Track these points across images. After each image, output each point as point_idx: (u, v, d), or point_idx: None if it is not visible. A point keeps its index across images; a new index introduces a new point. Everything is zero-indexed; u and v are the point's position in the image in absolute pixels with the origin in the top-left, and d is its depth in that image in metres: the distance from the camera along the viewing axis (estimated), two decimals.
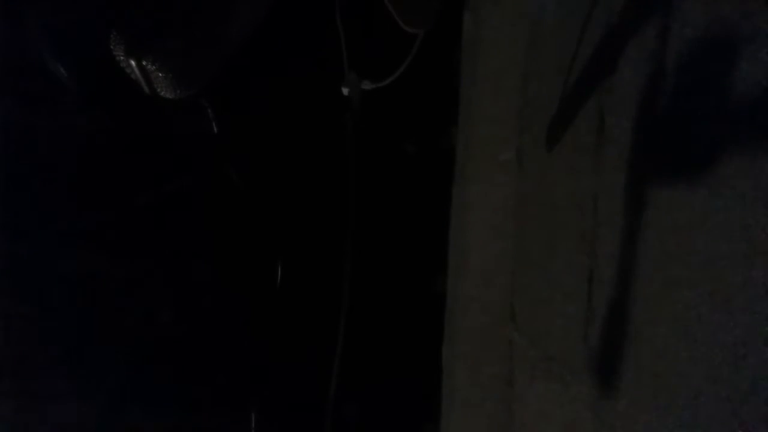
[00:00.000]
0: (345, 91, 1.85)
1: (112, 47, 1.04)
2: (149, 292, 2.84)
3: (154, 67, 1.05)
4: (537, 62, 2.05)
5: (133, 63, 1.04)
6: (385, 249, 2.76)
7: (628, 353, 1.37)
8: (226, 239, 2.80)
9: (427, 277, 2.85)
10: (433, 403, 2.79)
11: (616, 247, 1.45)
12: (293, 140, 2.80)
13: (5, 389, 2.84)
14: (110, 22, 1.04)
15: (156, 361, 2.81)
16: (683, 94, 1.25)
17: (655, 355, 1.28)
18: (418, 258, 2.86)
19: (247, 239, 2.79)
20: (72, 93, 2.60)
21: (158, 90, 1.09)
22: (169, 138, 2.77)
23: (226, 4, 1.15)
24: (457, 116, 2.80)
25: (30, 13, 2.55)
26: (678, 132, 1.26)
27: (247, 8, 1.19)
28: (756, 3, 1.05)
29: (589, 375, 1.54)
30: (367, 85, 1.88)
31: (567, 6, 1.84)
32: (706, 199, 1.14)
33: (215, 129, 2.47)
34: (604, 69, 1.55)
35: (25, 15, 2.57)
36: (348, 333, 1.84)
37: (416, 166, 2.88)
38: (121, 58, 1.05)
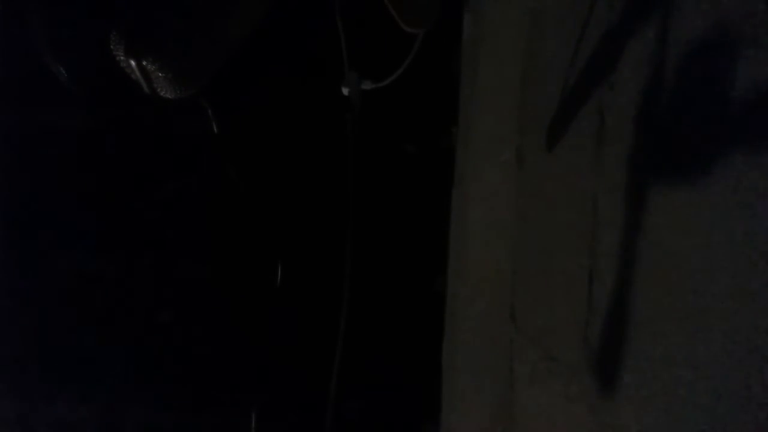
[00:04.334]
0: (345, 91, 1.85)
1: (112, 47, 1.04)
2: (149, 292, 2.84)
3: (154, 67, 1.05)
4: (537, 62, 2.05)
5: (133, 63, 1.03)
6: (385, 249, 2.76)
7: (628, 353, 1.37)
8: (226, 239, 2.81)
9: (427, 277, 2.85)
10: (433, 403, 2.79)
11: (616, 247, 1.45)
12: (293, 140, 2.80)
13: (5, 389, 2.84)
14: (110, 22, 1.04)
15: (156, 361, 2.81)
16: (683, 94, 1.25)
17: (655, 355, 1.28)
18: (418, 258, 2.86)
19: (247, 239, 2.79)
20: (72, 93, 2.60)
21: (158, 90, 1.09)
22: (169, 138, 2.77)
23: (226, 4, 1.15)
24: (457, 116, 2.80)
25: (30, 14, 2.55)
26: (678, 132, 1.26)
27: (247, 8, 1.19)
28: (756, 3, 1.05)
29: (589, 375, 1.54)
30: (367, 85, 1.87)
31: (567, 6, 1.84)
32: (706, 199, 1.14)
33: (215, 129, 2.47)
34: (604, 69, 1.55)
35: (25, 15, 2.57)
36: (348, 333, 1.83)
37: (416, 166, 2.88)
38: (121, 58, 1.04)
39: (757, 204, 1.02)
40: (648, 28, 1.37)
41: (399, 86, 1.92)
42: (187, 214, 2.79)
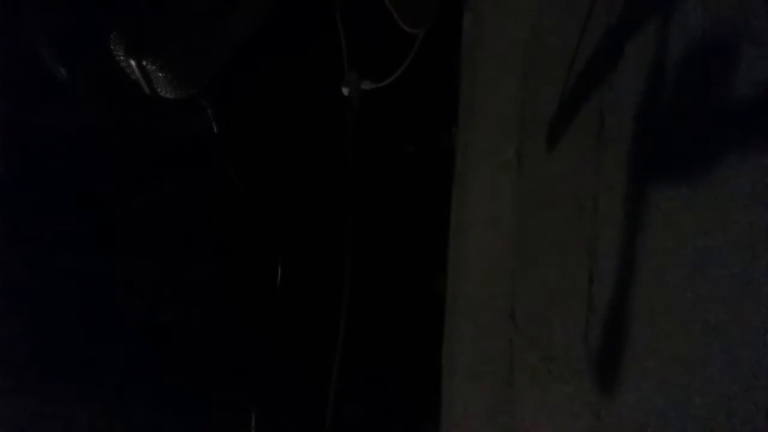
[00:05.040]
0: (345, 91, 1.85)
1: (112, 47, 1.04)
2: (149, 292, 2.84)
3: (154, 67, 1.05)
4: (537, 62, 2.05)
5: (133, 63, 1.04)
6: (385, 249, 2.76)
7: (628, 353, 1.37)
8: (226, 239, 2.81)
9: (427, 277, 2.86)
10: (433, 403, 2.79)
11: (616, 247, 1.45)
12: (293, 140, 2.80)
13: (5, 389, 2.84)
14: (110, 22, 1.04)
15: (156, 361, 2.82)
16: (683, 94, 1.25)
17: (654, 355, 1.28)
18: (418, 258, 2.86)
19: (247, 239, 2.79)
20: (72, 93, 2.60)
21: (158, 90, 1.09)
22: (169, 138, 2.77)
23: (226, 4, 1.15)
24: (457, 116, 2.80)
25: (30, 14, 2.55)
26: (678, 132, 1.26)
27: (247, 8, 1.19)
28: (756, 3, 1.06)
29: (589, 375, 1.54)
30: (367, 85, 1.87)
31: (567, 6, 1.84)
32: (706, 199, 1.14)
33: (215, 129, 2.47)
34: (604, 69, 1.55)
35: (25, 15, 2.57)
36: (348, 333, 1.83)
37: (416, 166, 2.88)
38: (121, 58, 1.04)
39: (757, 203, 1.02)
40: (648, 28, 1.37)
41: (399, 86, 1.92)
42: (186, 214, 2.79)
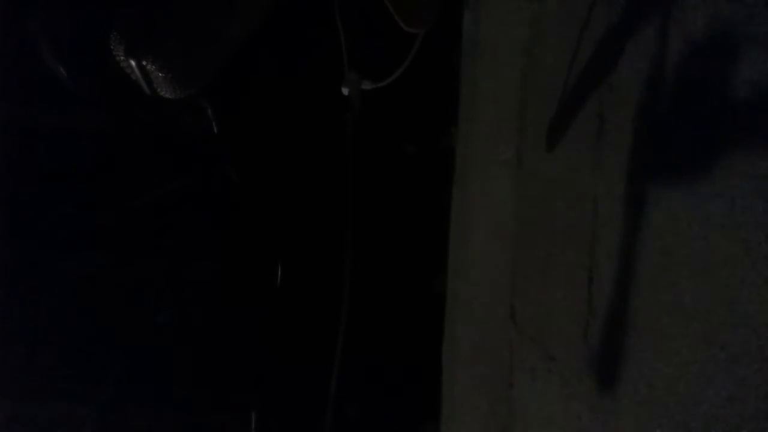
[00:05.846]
0: (345, 91, 1.85)
1: (112, 47, 1.05)
2: (149, 292, 2.84)
3: (154, 67, 1.05)
4: (537, 62, 2.05)
5: (133, 63, 1.04)
6: (385, 249, 2.76)
7: (628, 353, 1.37)
8: (226, 239, 2.80)
9: (427, 277, 2.85)
10: (433, 403, 2.79)
11: (616, 247, 1.45)
12: (293, 140, 2.80)
13: (5, 389, 2.84)
14: (110, 22, 1.04)
15: (156, 361, 2.81)
16: (683, 94, 1.25)
17: (655, 355, 1.28)
18: (418, 258, 2.86)
19: (247, 239, 2.79)
20: (72, 93, 2.60)
21: (158, 90, 1.09)
22: (169, 138, 2.77)
23: (226, 4, 1.15)
24: (457, 116, 2.80)
25: (30, 14, 2.55)
26: (678, 132, 1.26)
27: (247, 8, 1.19)
28: (756, 3, 1.06)
29: (589, 375, 1.54)
30: (367, 85, 1.87)
31: (567, 6, 1.84)
32: (706, 199, 1.14)
33: (215, 129, 2.47)
34: (604, 68, 1.55)
35: (25, 15, 2.57)
36: (348, 333, 1.84)
37: (416, 166, 2.88)
38: (121, 58, 1.05)
39: (758, 204, 1.02)
40: (648, 28, 1.37)
41: (399, 86, 1.92)
42: (186, 215, 2.79)
